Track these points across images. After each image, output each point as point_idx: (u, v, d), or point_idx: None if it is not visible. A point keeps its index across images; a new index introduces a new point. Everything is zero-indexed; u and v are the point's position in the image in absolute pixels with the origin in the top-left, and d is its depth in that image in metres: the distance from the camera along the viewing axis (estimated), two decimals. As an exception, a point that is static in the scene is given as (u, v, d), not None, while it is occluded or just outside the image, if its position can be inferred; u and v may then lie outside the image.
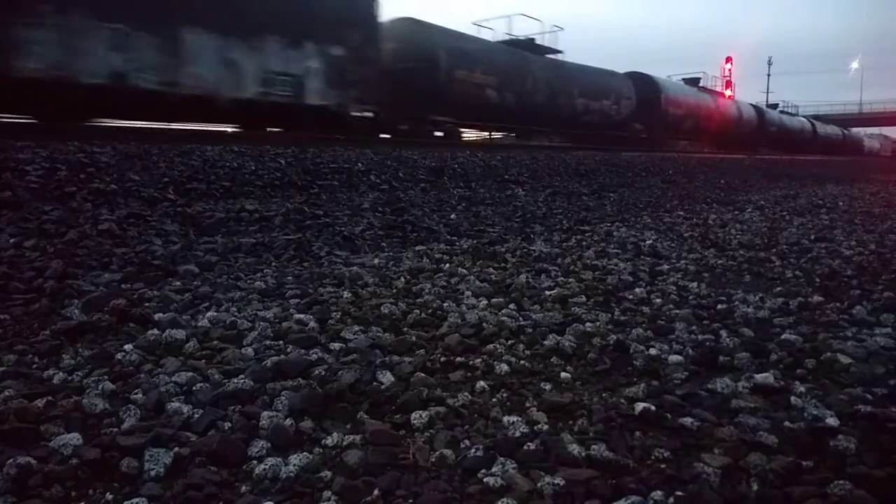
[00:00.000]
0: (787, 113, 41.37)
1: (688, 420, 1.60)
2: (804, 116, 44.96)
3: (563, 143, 19.02)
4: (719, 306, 2.73)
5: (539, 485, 1.30)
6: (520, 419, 1.59)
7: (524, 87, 16.52)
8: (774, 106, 41.63)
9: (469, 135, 17.54)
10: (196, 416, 1.56)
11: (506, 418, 1.60)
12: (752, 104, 33.86)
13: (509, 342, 2.21)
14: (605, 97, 20.15)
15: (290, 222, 4.59)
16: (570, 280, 3.20)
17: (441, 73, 13.88)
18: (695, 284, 3.16)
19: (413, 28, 13.92)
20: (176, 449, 1.40)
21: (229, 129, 10.79)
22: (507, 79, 15.87)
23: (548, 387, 1.84)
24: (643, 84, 22.75)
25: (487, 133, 18.29)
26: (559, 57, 19.32)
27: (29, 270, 2.89)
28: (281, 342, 2.12)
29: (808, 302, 2.83)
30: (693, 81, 27.77)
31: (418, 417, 1.59)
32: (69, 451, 1.38)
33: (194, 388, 1.72)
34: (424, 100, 13.65)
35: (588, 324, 2.42)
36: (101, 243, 3.55)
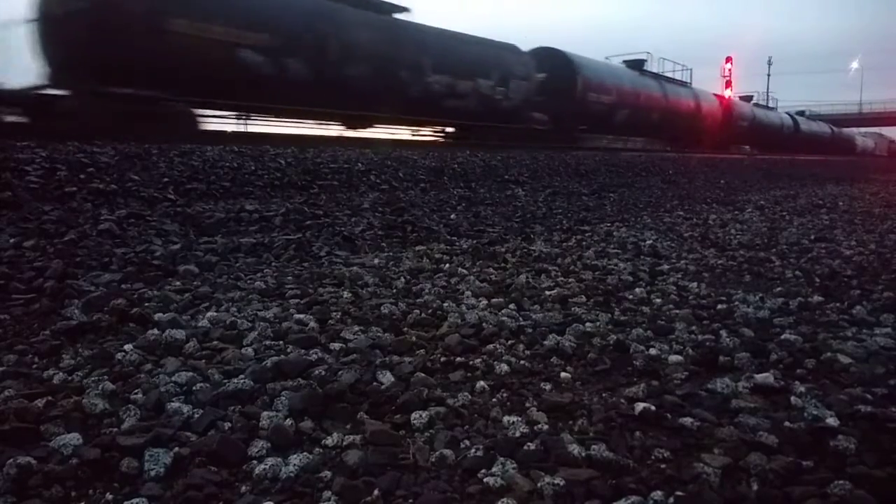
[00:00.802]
0: (764, 106, 36.39)
1: (688, 420, 1.60)
2: (787, 112, 39.78)
3: (418, 136, 14.35)
4: (719, 306, 2.73)
5: (539, 485, 1.30)
6: (520, 419, 1.59)
7: (325, 52, 10.74)
8: (749, 98, 35.99)
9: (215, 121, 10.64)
10: (196, 416, 1.56)
11: (506, 418, 1.60)
12: (716, 94, 28.66)
13: (509, 342, 2.21)
14: (482, 75, 14.20)
15: (290, 222, 4.59)
16: (570, 280, 3.21)
17: (132, 20, 8.47)
18: (695, 284, 3.16)
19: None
20: (176, 449, 1.40)
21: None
22: (289, 38, 10.20)
23: (548, 387, 1.84)
24: (551, 62, 17.21)
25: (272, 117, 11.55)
26: (406, 17, 13.13)
27: (29, 270, 2.89)
28: (281, 342, 2.12)
29: (808, 302, 2.83)
30: (636, 64, 22.01)
31: (418, 417, 1.59)
32: (69, 451, 1.38)
33: (194, 388, 1.72)
34: (102, 60, 8.30)
35: (588, 324, 2.42)
36: (101, 243, 3.55)
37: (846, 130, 52.24)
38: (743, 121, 29.77)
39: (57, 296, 2.57)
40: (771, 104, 39.62)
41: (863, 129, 59.97)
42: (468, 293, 2.86)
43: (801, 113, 45.05)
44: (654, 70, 23.23)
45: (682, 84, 25.17)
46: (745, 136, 30.69)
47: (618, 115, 19.63)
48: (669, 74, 24.52)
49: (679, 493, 1.28)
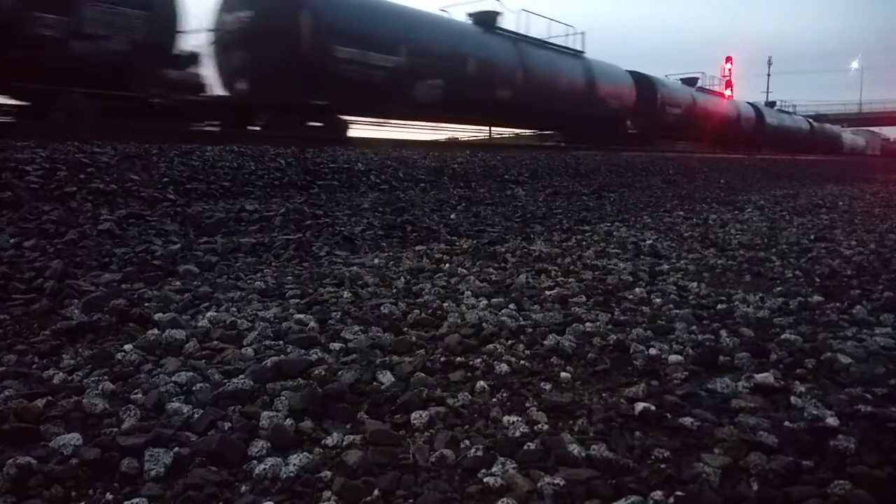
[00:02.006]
0: (711, 91, 28.21)
1: (688, 420, 1.60)
2: (750, 102, 32.79)
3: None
4: (719, 306, 2.73)
5: (539, 485, 1.30)
6: (520, 419, 1.59)
7: None
8: (693, 81, 26.65)
9: None
10: (196, 416, 1.56)
11: (506, 418, 1.60)
12: (631, 72, 20.73)
13: (509, 342, 2.21)
14: None
15: (290, 222, 4.59)
16: (570, 280, 3.20)
17: None
18: (695, 284, 3.16)
19: None
20: (176, 449, 1.40)
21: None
22: None
23: (548, 387, 1.84)
24: None
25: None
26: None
27: (29, 270, 2.89)
28: (281, 342, 2.12)
29: (808, 302, 2.83)
30: (484, 18, 15.11)
31: (418, 417, 1.59)
32: (69, 451, 1.38)
33: (194, 388, 1.72)
34: None
35: (588, 324, 2.42)
36: (101, 243, 3.55)
37: (830, 126, 45.80)
38: (674, 107, 22.12)
39: (57, 296, 2.57)
40: (722, 89, 31.40)
41: (853, 127, 55.27)
42: (468, 293, 2.86)
43: (772, 104, 39.19)
44: (516, 26, 15.79)
45: (568, 52, 17.71)
46: (679, 128, 23.05)
47: (418, 87, 12.30)
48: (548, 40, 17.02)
49: (679, 493, 1.28)
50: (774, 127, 32.72)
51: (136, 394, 1.69)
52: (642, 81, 21.05)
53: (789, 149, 31.39)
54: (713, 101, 26.79)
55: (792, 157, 25.27)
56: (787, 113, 38.60)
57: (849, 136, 50.04)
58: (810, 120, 41.02)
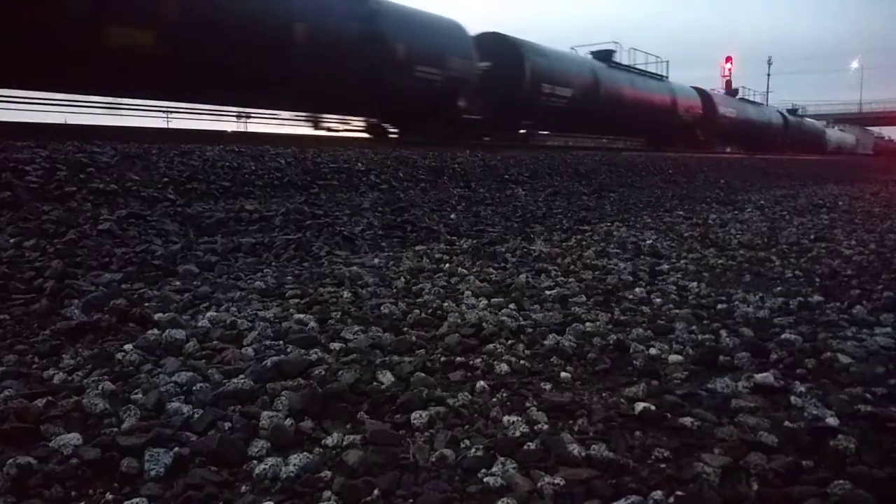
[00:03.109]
0: (638, 71, 20.60)
1: (688, 420, 1.60)
2: (697, 88, 24.81)
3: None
4: (719, 306, 2.73)
5: (539, 485, 1.30)
6: (520, 419, 1.59)
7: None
8: (606, 55, 19.11)
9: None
10: (196, 416, 1.56)
11: (506, 418, 1.60)
12: (485, 33, 14.48)
13: (509, 342, 2.21)
14: None
15: (290, 222, 4.59)
16: (570, 280, 3.20)
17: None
18: (695, 284, 3.16)
19: None
20: (176, 449, 1.40)
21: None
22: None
23: (548, 387, 1.84)
24: None
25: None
26: None
27: (29, 270, 2.89)
28: (281, 342, 2.12)
29: (808, 302, 2.83)
30: None
31: (418, 417, 1.59)
32: (69, 451, 1.38)
33: (194, 388, 1.72)
34: None
35: (588, 323, 2.42)
36: (101, 243, 3.55)
37: (811, 121, 40.10)
38: (560, 87, 15.48)
39: (57, 296, 2.57)
40: (654, 68, 22.11)
41: (843, 123, 50.68)
42: (468, 293, 2.85)
43: (734, 92, 32.43)
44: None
45: None
46: (571, 117, 16.51)
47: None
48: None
49: (679, 492, 1.28)
50: (731, 119, 26.00)
51: (136, 394, 1.69)
52: (498, 46, 14.05)
53: (754, 147, 26.25)
54: (633, 81, 19.56)
55: (752, 155, 21.18)
56: (753, 103, 31.65)
57: (835, 133, 45.00)
58: (784, 113, 34.68)
